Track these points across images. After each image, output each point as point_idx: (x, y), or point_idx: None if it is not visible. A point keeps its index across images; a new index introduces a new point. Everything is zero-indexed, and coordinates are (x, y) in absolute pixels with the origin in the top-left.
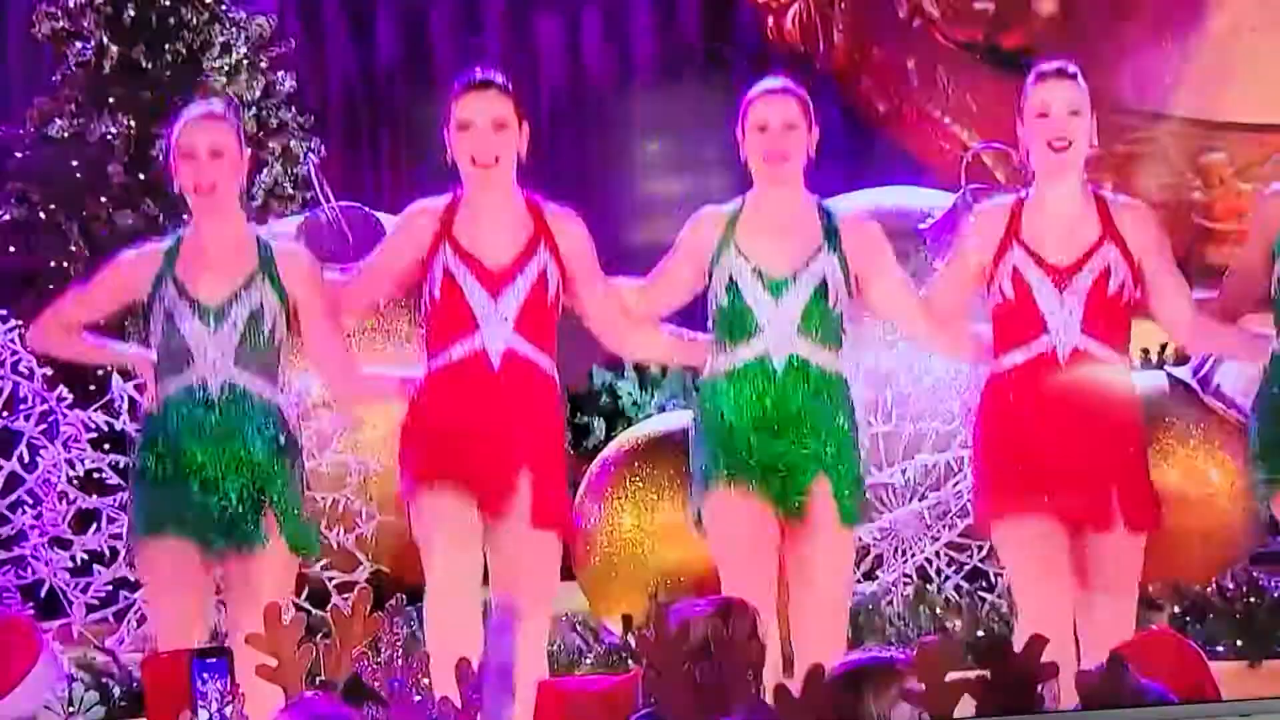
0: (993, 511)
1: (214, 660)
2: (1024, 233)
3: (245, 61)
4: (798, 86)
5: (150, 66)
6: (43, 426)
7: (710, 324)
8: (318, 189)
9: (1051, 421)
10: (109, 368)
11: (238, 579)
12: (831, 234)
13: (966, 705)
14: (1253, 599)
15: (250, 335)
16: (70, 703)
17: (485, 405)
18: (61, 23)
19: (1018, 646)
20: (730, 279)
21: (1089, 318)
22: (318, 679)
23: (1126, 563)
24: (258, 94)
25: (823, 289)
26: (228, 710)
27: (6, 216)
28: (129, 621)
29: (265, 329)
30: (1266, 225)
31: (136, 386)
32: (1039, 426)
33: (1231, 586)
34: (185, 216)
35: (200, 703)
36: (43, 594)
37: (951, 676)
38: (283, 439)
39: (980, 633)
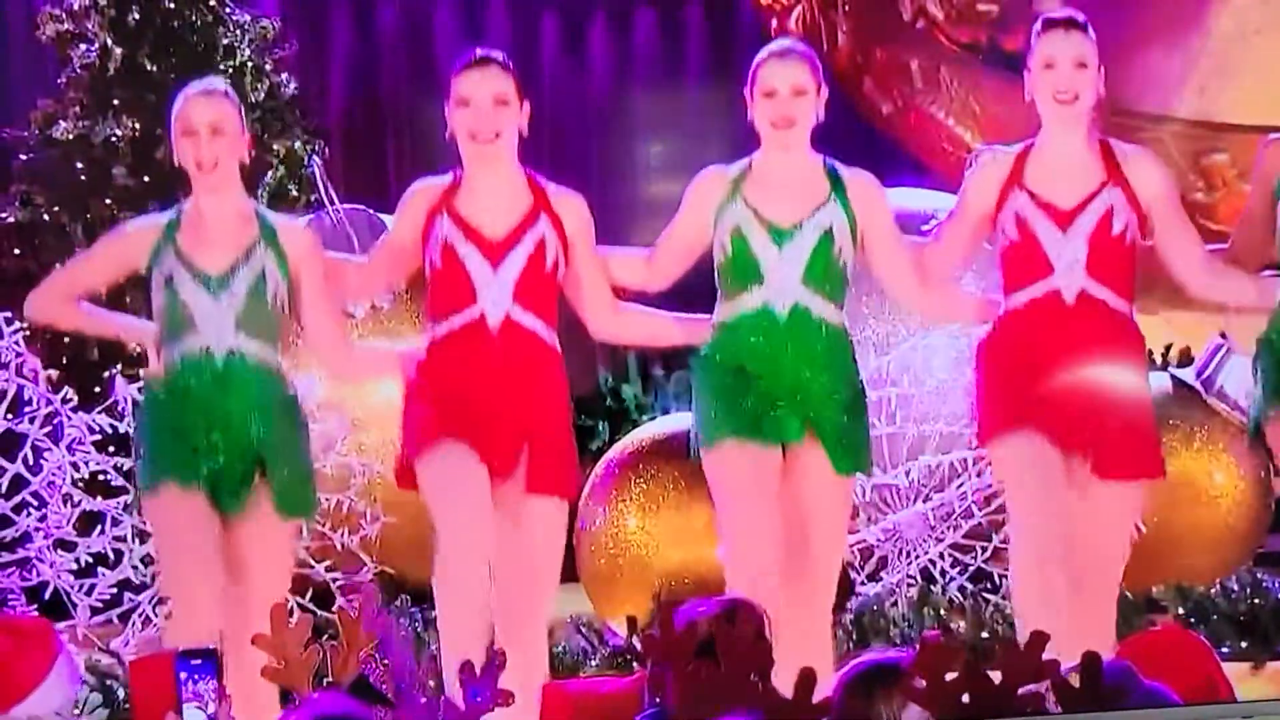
0: (990, 431)
1: (199, 661)
2: (1027, 178)
3: (249, 64)
4: (806, 49)
5: (154, 69)
6: (47, 429)
7: (716, 276)
8: (322, 191)
9: (1055, 359)
10: (114, 370)
11: (235, 542)
12: (838, 187)
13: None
14: (1257, 600)
15: (253, 302)
16: (75, 705)
17: (485, 371)
18: (66, 25)
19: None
20: (736, 228)
21: (1093, 259)
22: (325, 680)
23: (1119, 517)
24: (262, 96)
25: (828, 239)
26: (217, 710)
27: (11, 219)
28: (133, 624)
29: (268, 296)
30: (1267, 173)
31: (139, 388)
32: (1042, 362)
33: (1235, 588)
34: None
35: (196, 702)
36: (47, 596)
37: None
38: (285, 404)
39: (984, 634)
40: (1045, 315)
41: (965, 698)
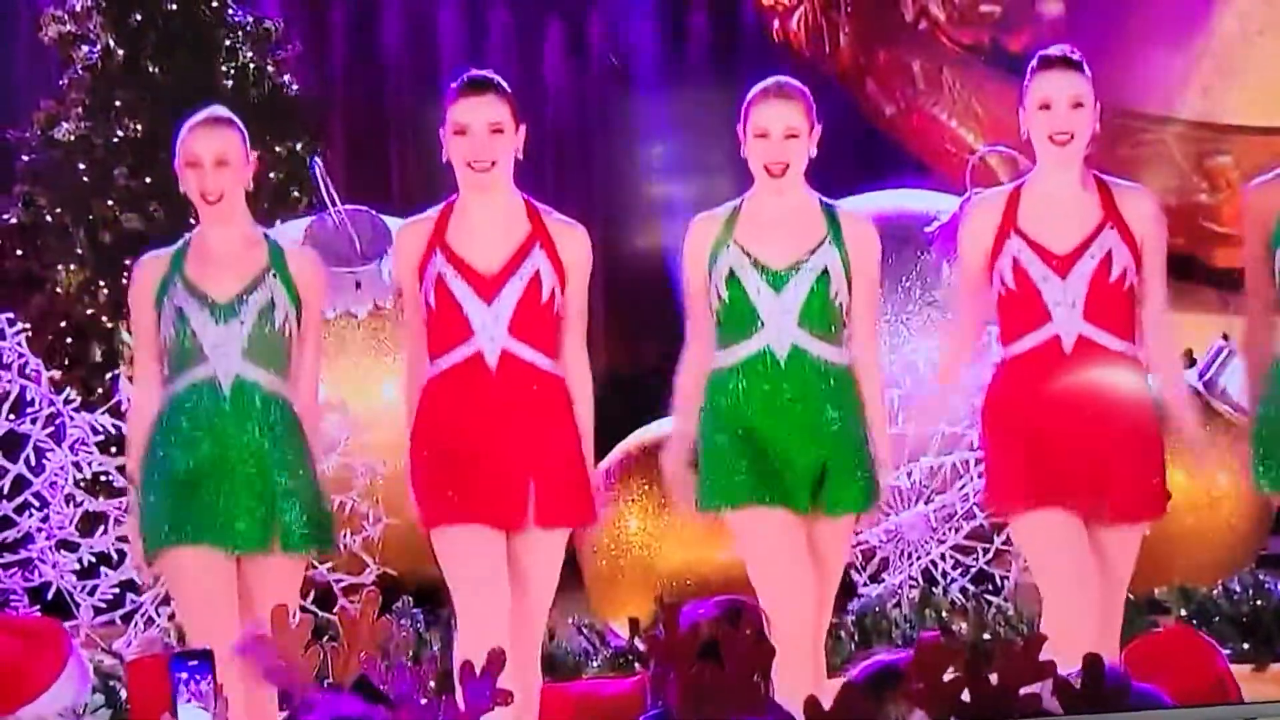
0: (1009, 507)
1: (195, 662)
2: (1022, 221)
3: (251, 65)
4: (799, 86)
5: (156, 70)
6: (50, 429)
7: (712, 321)
8: (324, 192)
9: (1058, 411)
10: (116, 371)
11: (249, 580)
12: (834, 226)
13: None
14: (1259, 602)
15: (260, 329)
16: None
17: (486, 411)
18: (68, 26)
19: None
20: (730, 272)
21: (1091, 305)
22: (326, 681)
23: (1124, 550)
24: (264, 96)
25: (824, 280)
26: (217, 711)
27: (13, 220)
28: (136, 624)
29: (276, 323)
30: (1257, 220)
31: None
32: (1046, 416)
33: (1238, 590)
34: (192, 220)
35: (200, 703)
36: (49, 596)
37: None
38: (292, 435)
39: (986, 635)
40: (1044, 364)
41: (966, 697)
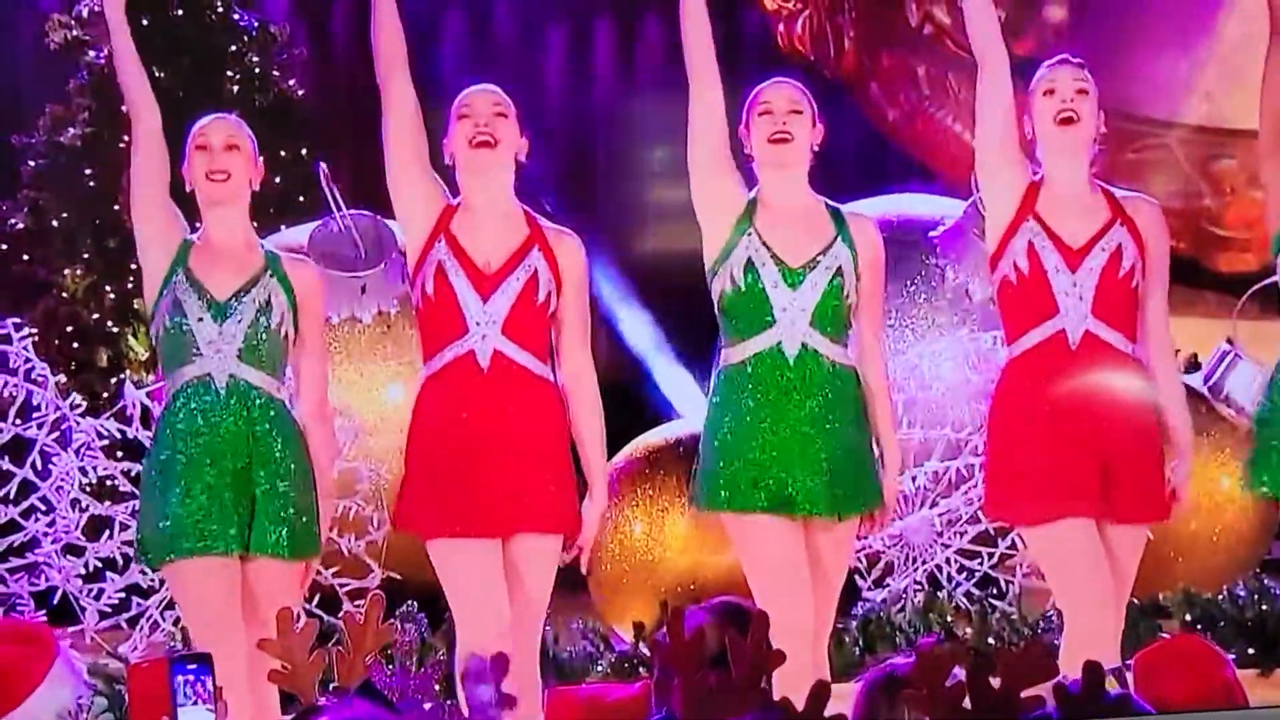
0: (1023, 516)
1: (194, 666)
2: (1040, 209)
3: (257, 70)
4: (801, 86)
5: (162, 75)
6: (56, 434)
7: (718, 310)
8: (329, 197)
9: (1065, 411)
10: (122, 375)
11: (253, 584)
12: (841, 227)
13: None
14: (1263, 606)
15: (256, 330)
16: (82, 709)
17: (477, 414)
18: (74, 31)
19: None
20: (749, 262)
21: (1099, 301)
22: (331, 685)
23: (1129, 552)
24: (269, 101)
25: (838, 281)
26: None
27: (20, 225)
28: (141, 628)
29: (272, 324)
30: None
31: (149, 393)
32: (1053, 417)
33: (1242, 594)
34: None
35: (206, 704)
36: (55, 600)
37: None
38: (288, 439)
39: (990, 639)
40: (1051, 361)
41: (967, 702)
